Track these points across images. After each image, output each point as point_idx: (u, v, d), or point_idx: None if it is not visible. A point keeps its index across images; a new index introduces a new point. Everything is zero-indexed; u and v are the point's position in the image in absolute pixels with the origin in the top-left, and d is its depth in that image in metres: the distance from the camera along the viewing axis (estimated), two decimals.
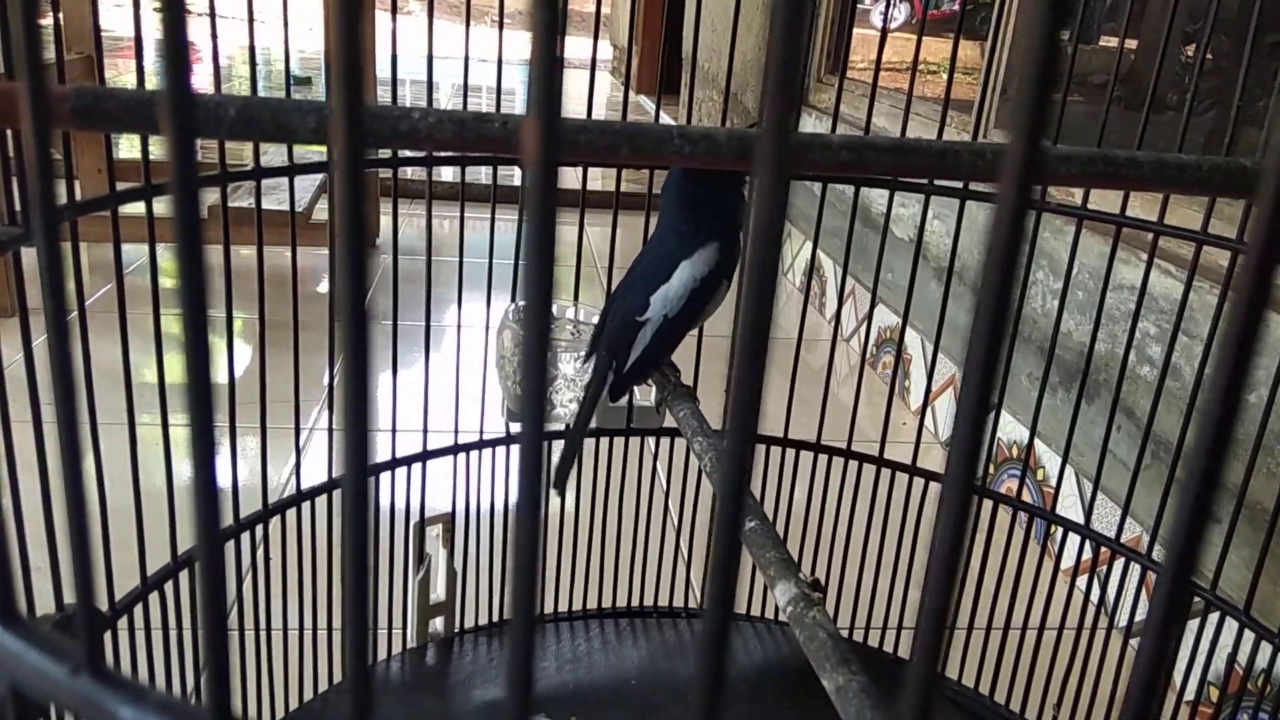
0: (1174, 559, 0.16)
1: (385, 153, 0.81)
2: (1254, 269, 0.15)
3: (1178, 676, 0.98)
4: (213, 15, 0.64)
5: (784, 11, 0.14)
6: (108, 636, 0.69)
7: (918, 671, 0.16)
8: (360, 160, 0.15)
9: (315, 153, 0.89)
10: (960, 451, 0.15)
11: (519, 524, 0.17)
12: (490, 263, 0.88)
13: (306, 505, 0.84)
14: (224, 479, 0.79)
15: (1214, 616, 0.84)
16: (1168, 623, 0.16)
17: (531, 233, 0.15)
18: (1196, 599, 0.85)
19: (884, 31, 0.92)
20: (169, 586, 0.74)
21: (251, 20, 0.68)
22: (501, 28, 0.82)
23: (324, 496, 0.85)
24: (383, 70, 0.90)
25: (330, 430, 0.86)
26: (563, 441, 0.94)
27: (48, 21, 0.57)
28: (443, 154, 0.82)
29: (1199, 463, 0.16)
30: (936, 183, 0.89)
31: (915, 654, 0.16)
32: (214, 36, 0.65)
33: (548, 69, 0.14)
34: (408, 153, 0.83)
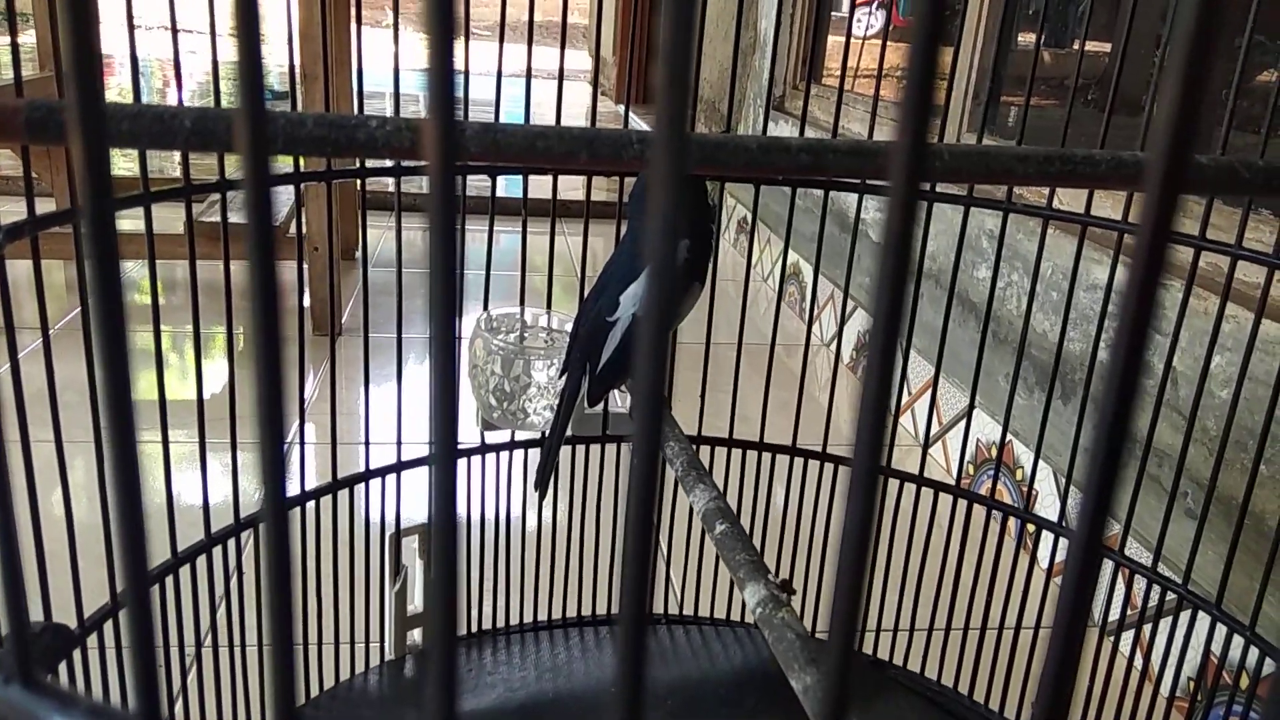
0: (1085, 524, 0.16)
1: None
2: (1145, 253, 0.15)
3: (1154, 668, 0.99)
4: (174, 30, 0.64)
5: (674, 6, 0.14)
6: (79, 655, 0.69)
7: (835, 643, 0.16)
8: (265, 164, 0.15)
9: (285, 164, 0.89)
10: (866, 425, 0.15)
11: (436, 543, 0.17)
12: (460, 273, 0.88)
13: None
14: (195, 495, 0.78)
15: (1188, 612, 0.84)
16: (1080, 600, 0.16)
17: (435, 240, 0.15)
18: (1170, 594, 0.86)
19: (848, 38, 0.92)
20: None
21: (214, 34, 0.68)
22: (468, 40, 0.82)
23: (296, 509, 0.85)
24: (371, 84, 0.91)
25: (303, 444, 0.86)
26: (537, 448, 0.94)
27: (4, 40, 0.57)
28: (411, 164, 0.82)
29: (1105, 434, 0.16)
30: None
31: (832, 624, 0.16)
32: (175, 50, 0.65)
33: (443, 71, 0.14)
34: (386, 163, 0.83)
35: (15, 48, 0.54)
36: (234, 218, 0.86)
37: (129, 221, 0.73)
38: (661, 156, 0.14)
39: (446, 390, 0.16)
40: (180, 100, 0.66)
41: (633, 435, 0.16)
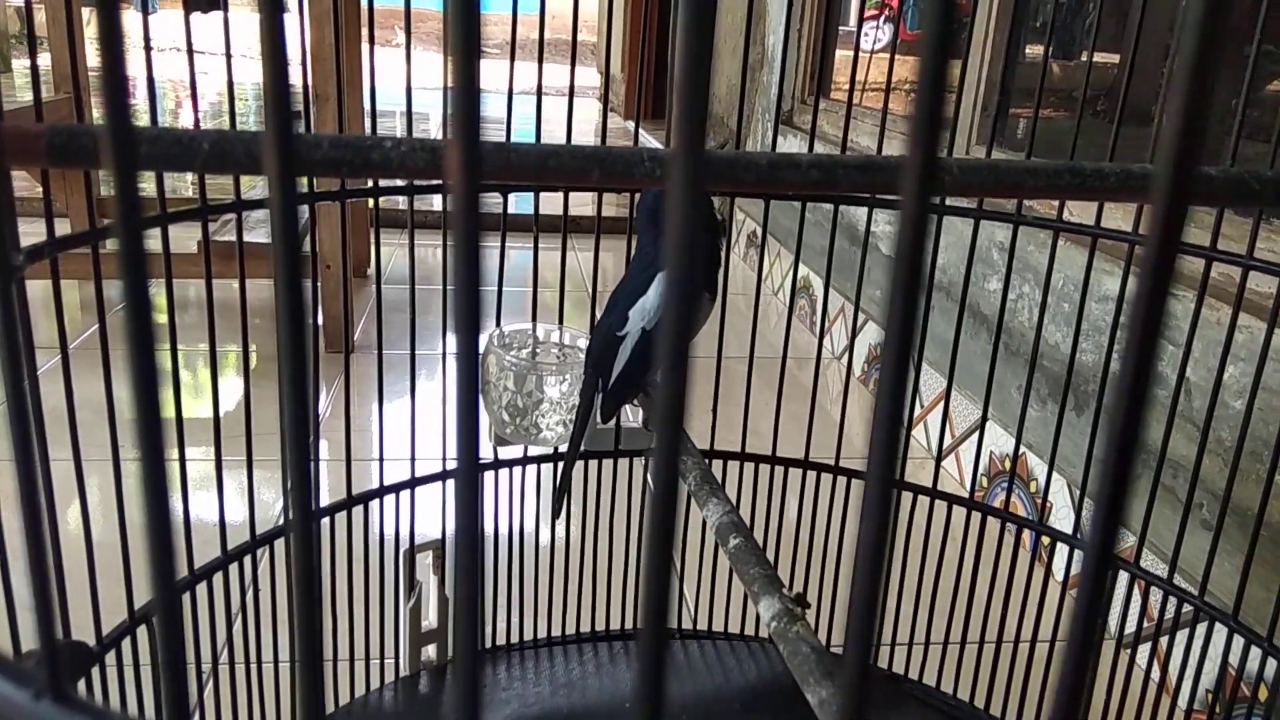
0: (1098, 531, 0.16)
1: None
2: (1152, 264, 0.15)
3: (1172, 680, 0.98)
4: (190, 52, 0.65)
5: (690, 14, 0.14)
6: (98, 672, 0.69)
7: (852, 658, 0.17)
8: (292, 183, 0.16)
9: (299, 184, 0.90)
10: (881, 434, 0.16)
11: (459, 556, 0.17)
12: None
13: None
14: (211, 512, 0.79)
15: (1205, 623, 0.84)
16: (1093, 609, 0.17)
17: (457, 258, 0.15)
18: (1186, 606, 0.85)
19: (857, 52, 0.93)
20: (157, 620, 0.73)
21: (229, 56, 0.69)
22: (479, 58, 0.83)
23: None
24: (381, 103, 0.91)
25: (316, 461, 0.86)
26: (550, 464, 0.94)
27: (25, 63, 0.58)
28: (423, 182, 0.83)
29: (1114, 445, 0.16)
30: None
31: (848, 639, 0.17)
32: (191, 73, 0.66)
33: (467, 90, 0.15)
34: (399, 182, 0.83)
35: (35, 71, 0.55)
36: (248, 237, 0.87)
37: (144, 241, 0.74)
38: (679, 180, 0.14)
39: (469, 407, 0.16)
40: (196, 121, 0.67)
41: (652, 448, 0.16)
